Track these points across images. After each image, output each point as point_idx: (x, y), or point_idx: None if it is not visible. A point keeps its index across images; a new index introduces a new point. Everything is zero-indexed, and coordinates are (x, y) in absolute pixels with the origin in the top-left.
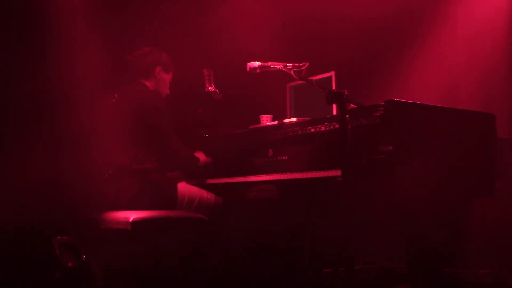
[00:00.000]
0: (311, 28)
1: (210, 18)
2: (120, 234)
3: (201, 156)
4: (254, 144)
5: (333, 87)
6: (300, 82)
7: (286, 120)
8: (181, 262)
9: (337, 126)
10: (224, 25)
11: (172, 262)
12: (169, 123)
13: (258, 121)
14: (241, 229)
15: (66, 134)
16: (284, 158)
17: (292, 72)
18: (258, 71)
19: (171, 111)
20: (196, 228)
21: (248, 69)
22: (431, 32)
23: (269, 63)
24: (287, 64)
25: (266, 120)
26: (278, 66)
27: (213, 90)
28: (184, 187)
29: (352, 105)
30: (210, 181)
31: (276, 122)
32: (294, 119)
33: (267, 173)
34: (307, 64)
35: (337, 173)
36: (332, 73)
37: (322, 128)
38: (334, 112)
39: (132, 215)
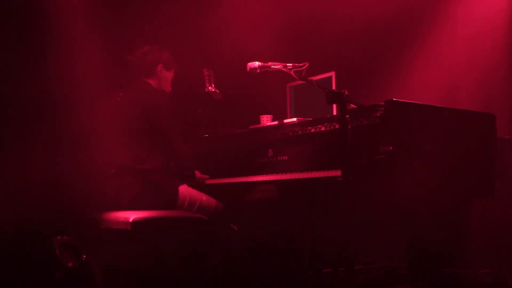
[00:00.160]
0: (311, 28)
1: (210, 18)
2: (120, 234)
3: (197, 173)
4: (254, 144)
5: (333, 87)
6: (300, 82)
7: (286, 120)
8: (181, 262)
9: (337, 126)
10: (224, 25)
11: (172, 262)
12: (173, 122)
13: (258, 121)
14: (241, 229)
15: (66, 134)
16: (284, 158)
17: (292, 72)
18: (258, 71)
19: (173, 110)
20: (196, 228)
21: (248, 69)
22: (431, 32)
23: (269, 63)
24: (287, 64)
25: (266, 120)
26: (278, 66)
27: (213, 90)
28: (185, 190)
29: (352, 105)
30: (210, 181)
31: (276, 122)
32: (294, 119)
33: (267, 173)
34: (307, 64)
35: (337, 173)
36: (332, 73)
37: (322, 128)
38: (334, 112)
39: (132, 215)
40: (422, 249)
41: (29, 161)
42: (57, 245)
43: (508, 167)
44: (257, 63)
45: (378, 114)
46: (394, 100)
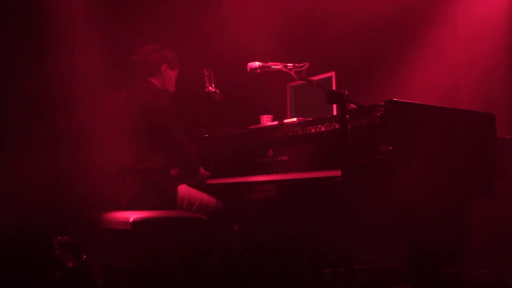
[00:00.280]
0: (311, 28)
1: (210, 18)
2: (120, 234)
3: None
4: (254, 144)
5: (333, 87)
6: (300, 82)
7: (286, 120)
8: (181, 262)
9: (337, 126)
10: (224, 25)
11: (172, 262)
12: (176, 121)
13: (258, 121)
14: (241, 229)
15: (66, 134)
16: (284, 158)
17: (292, 72)
18: (258, 71)
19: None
20: (196, 228)
21: (248, 69)
22: (431, 32)
23: (269, 63)
24: (287, 64)
25: (266, 120)
26: (278, 66)
27: (213, 90)
28: (184, 190)
29: (352, 105)
30: (210, 181)
31: (276, 122)
32: (294, 119)
33: (267, 173)
34: (307, 64)
35: (337, 173)
36: (332, 73)
37: (322, 128)
38: (334, 112)
39: (132, 215)
40: (422, 249)
41: (29, 161)
42: (57, 245)
43: (508, 167)
44: (257, 63)
45: (378, 114)
46: (394, 100)
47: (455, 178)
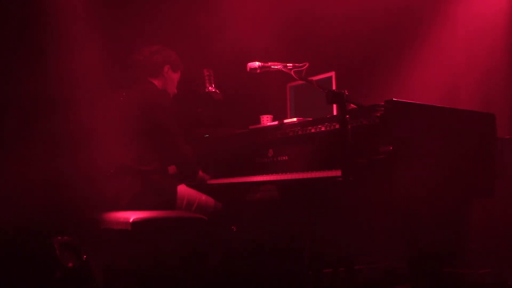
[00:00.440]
0: (311, 28)
1: (210, 18)
2: (120, 234)
3: (200, 172)
4: (254, 144)
5: (333, 87)
6: (300, 82)
7: (286, 120)
8: (181, 262)
9: (337, 126)
10: (224, 25)
11: (172, 262)
12: (175, 123)
13: (258, 121)
14: (241, 229)
15: (66, 134)
16: (284, 158)
17: (292, 72)
18: (258, 71)
19: (174, 111)
20: (196, 228)
21: (248, 69)
22: (431, 32)
23: (269, 63)
24: (287, 64)
25: (267, 120)
26: (278, 66)
27: (213, 90)
28: (183, 190)
29: (352, 105)
30: (210, 182)
31: (276, 122)
32: (295, 119)
33: (267, 173)
34: (307, 64)
35: (337, 173)
36: (332, 73)
37: (323, 128)
38: (334, 112)
39: (132, 216)
40: (422, 249)
41: (29, 161)
42: (57, 245)
43: (508, 167)
44: (257, 63)
45: (378, 114)
46: (394, 100)
47: (455, 178)
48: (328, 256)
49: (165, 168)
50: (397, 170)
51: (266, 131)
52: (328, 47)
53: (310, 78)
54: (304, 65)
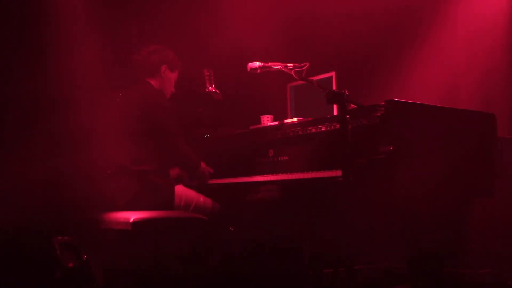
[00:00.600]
0: (311, 28)
1: (210, 18)
2: (120, 234)
3: (202, 164)
4: (254, 144)
5: (334, 87)
6: (300, 82)
7: (286, 120)
8: (181, 262)
9: (337, 126)
10: (224, 25)
11: (172, 262)
12: (173, 122)
13: (258, 121)
14: (241, 229)
15: (66, 134)
16: (284, 158)
17: (292, 72)
18: (258, 71)
19: (172, 110)
20: (196, 229)
21: (248, 69)
22: (431, 32)
23: (270, 63)
24: (288, 64)
25: (267, 120)
26: (279, 67)
27: (213, 90)
28: (181, 190)
29: (352, 105)
30: (210, 182)
31: (276, 122)
32: (295, 119)
33: (267, 173)
34: (307, 64)
35: (338, 173)
36: (333, 73)
37: (323, 128)
38: (335, 112)
39: (132, 216)
40: (422, 249)
41: (29, 161)
42: (58, 245)
43: (508, 167)
44: (257, 63)
45: (378, 114)
46: (394, 100)
47: (455, 178)
48: (328, 256)
49: (164, 168)
50: (397, 170)
51: (267, 131)
52: (328, 47)
53: (310, 78)
54: (305, 65)
